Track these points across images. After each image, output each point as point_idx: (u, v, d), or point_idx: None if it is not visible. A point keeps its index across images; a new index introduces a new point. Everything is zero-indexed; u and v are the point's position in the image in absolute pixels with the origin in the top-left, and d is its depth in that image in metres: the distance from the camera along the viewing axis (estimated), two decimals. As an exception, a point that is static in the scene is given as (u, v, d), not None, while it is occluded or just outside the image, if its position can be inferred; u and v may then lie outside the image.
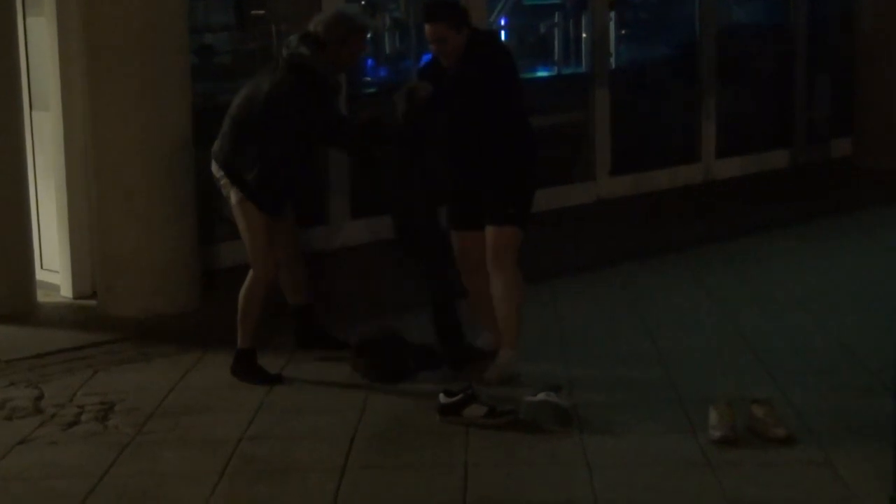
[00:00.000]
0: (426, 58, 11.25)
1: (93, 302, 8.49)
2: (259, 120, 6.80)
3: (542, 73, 12.11)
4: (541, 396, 6.31)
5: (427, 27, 6.89)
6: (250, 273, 6.95)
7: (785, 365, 7.13)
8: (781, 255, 9.96)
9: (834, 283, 9.02)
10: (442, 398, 6.31)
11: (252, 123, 6.82)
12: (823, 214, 11.23)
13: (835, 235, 10.63)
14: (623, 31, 12.23)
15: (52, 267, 8.83)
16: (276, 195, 6.91)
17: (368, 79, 10.72)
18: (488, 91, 6.85)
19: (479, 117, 6.88)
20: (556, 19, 12.11)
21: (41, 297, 8.55)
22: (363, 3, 10.59)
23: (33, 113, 8.78)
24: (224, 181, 6.93)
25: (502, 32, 11.63)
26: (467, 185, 7.02)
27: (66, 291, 8.70)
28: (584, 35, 11.75)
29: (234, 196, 6.90)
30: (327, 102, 6.90)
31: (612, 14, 11.75)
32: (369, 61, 10.76)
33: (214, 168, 7.00)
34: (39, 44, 8.67)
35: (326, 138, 7.12)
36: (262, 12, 9.72)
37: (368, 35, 7.38)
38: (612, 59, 11.87)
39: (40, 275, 8.72)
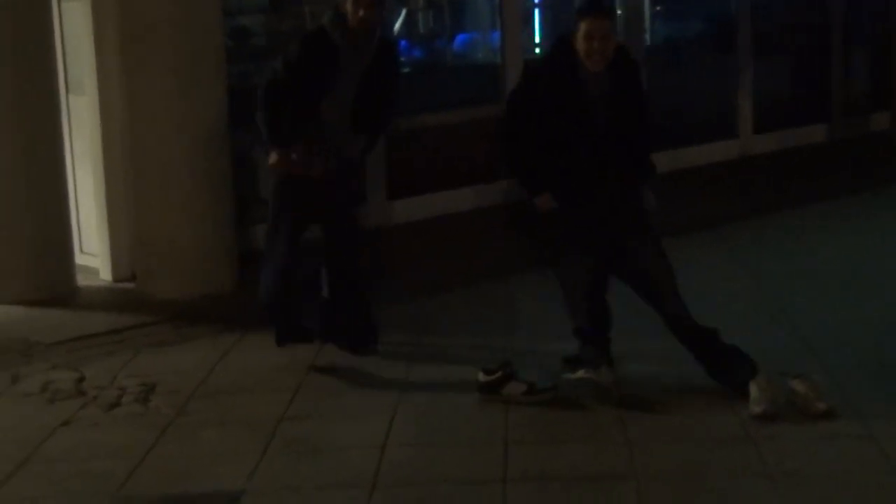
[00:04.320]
0: (461, 38, 11.34)
1: (132, 285, 8.53)
2: None
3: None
4: (580, 373, 6.30)
5: (592, 22, 6.34)
6: None
7: (825, 340, 7.10)
8: (820, 231, 9.92)
9: (874, 257, 8.98)
10: (481, 376, 6.31)
11: None
12: (862, 189, 11.16)
13: (873, 210, 10.56)
14: (657, 8, 12.16)
15: (92, 251, 8.88)
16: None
17: (402, 58, 10.69)
18: (642, 100, 6.63)
19: (631, 127, 6.52)
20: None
21: (81, 280, 8.59)
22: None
23: (70, 97, 8.81)
24: None
25: (536, 10, 11.57)
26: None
27: (105, 275, 8.74)
28: (618, 11, 11.68)
29: None
30: (309, 62, 6.83)
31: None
32: (403, 42, 10.75)
33: None
34: (75, 28, 8.69)
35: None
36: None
37: None
38: (647, 36, 11.81)
39: (80, 259, 8.77)
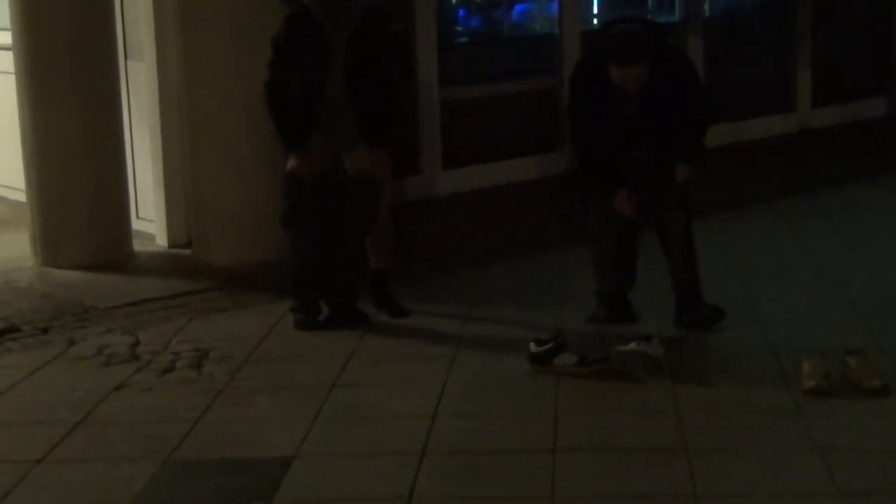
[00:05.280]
0: (519, 8, 11.29)
1: (187, 251, 8.59)
2: None
3: (634, 22, 11.97)
4: (632, 345, 6.30)
5: (625, 70, 6.49)
6: None
7: (880, 315, 7.05)
8: (876, 206, 9.84)
9: (930, 233, 8.90)
10: (532, 347, 6.31)
11: None
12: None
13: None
14: (717, -22, 12.08)
15: (148, 216, 8.94)
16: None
17: (460, 28, 10.67)
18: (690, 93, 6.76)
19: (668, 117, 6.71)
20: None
21: (137, 246, 8.66)
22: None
23: (128, 63, 8.86)
24: None
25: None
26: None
27: (161, 240, 8.81)
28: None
29: None
30: (293, 49, 6.84)
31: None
32: (461, 11, 10.72)
33: None
34: (134, -6, 8.75)
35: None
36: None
37: None
38: (707, 7, 11.72)
39: (136, 224, 8.84)
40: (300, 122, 6.88)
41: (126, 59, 8.84)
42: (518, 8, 11.16)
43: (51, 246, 8.37)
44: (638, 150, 6.79)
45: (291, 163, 6.89)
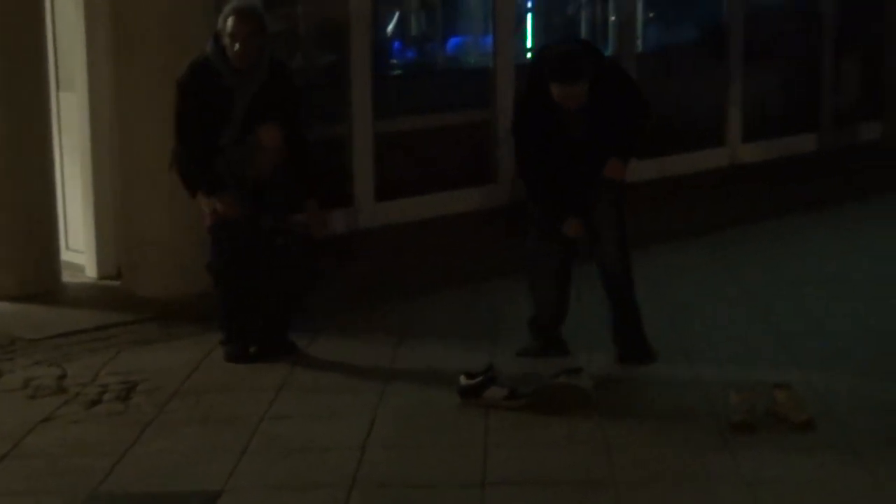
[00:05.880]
0: (454, 41, 11.33)
1: (117, 282, 8.54)
2: None
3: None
4: (561, 378, 6.32)
5: (566, 88, 6.50)
6: None
7: (808, 349, 7.11)
8: (806, 239, 9.94)
9: (859, 266, 9.00)
10: (462, 380, 6.32)
11: None
12: (849, 199, 11.18)
13: (861, 220, 10.58)
14: (650, 14, 12.19)
15: (77, 247, 8.88)
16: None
17: (395, 61, 10.71)
18: (624, 101, 6.79)
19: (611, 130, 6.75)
20: (582, 1, 12.07)
21: (66, 277, 8.59)
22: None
23: (60, 94, 8.81)
24: None
25: (528, 15, 11.58)
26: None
27: (90, 271, 8.75)
28: (611, 18, 11.71)
29: None
30: (196, 95, 6.78)
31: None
32: (396, 43, 10.76)
33: None
34: (66, 24, 8.70)
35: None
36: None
37: (249, 19, 6.73)
38: (639, 42, 11.83)
39: (65, 255, 8.77)
40: (210, 166, 6.83)
41: (58, 89, 8.79)
42: (452, 41, 11.21)
43: (-22, 276, 8.29)
44: (583, 168, 6.78)
45: (218, 207, 6.84)
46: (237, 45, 6.73)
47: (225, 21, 6.77)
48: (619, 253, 6.91)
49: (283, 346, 7.13)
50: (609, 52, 11.55)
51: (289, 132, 6.88)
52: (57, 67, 8.80)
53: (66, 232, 8.88)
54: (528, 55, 11.12)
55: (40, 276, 8.35)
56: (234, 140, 6.83)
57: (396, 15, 10.65)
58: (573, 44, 6.95)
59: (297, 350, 7.14)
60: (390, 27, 10.58)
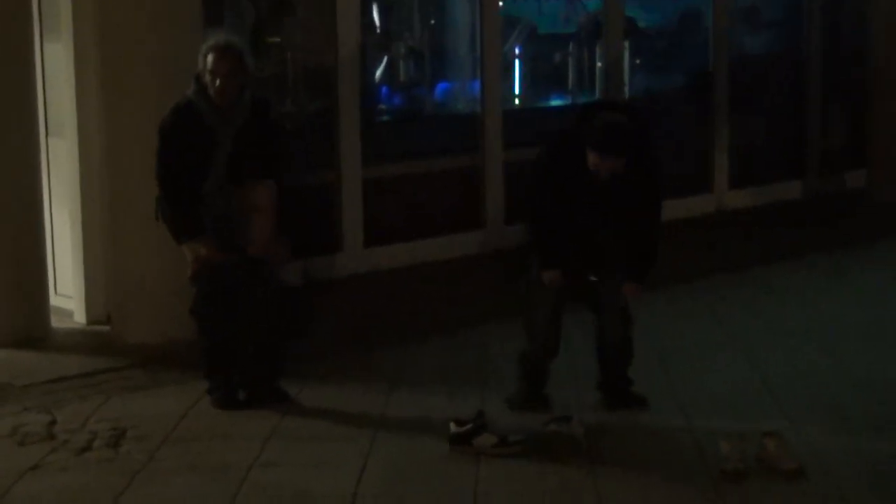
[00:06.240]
0: (442, 87, 11.38)
1: (106, 328, 8.52)
2: None
3: (556, 102, 12.14)
4: (551, 426, 6.32)
5: (607, 161, 6.50)
6: None
7: (796, 397, 7.12)
8: (794, 286, 9.96)
9: (847, 315, 9.01)
10: (452, 427, 6.31)
11: None
12: (835, 246, 11.22)
13: (848, 268, 10.61)
14: (637, 61, 12.26)
15: (67, 292, 8.86)
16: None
17: (383, 106, 10.75)
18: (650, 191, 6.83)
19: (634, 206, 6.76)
20: (570, 48, 12.14)
21: (55, 322, 8.57)
22: (378, 31, 10.62)
23: (49, 139, 8.82)
24: None
25: (516, 61, 11.65)
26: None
27: (79, 317, 8.73)
28: (598, 64, 11.77)
29: None
30: (179, 137, 6.79)
31: (627, 43, 11.77)
32: (383, 88, 10.80)
33: None
34: (56, 70, 8.72)
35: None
36: (276, 39, 9.75)
37: (229, 56, 6.74)
38: (626, 89, 11.89)
39: (54, 300, 8.75)
40: (193, 210, 6.83)
41: (48, 135, 8.80)
42: (440, 86, 11.26)
43: (-33, 322, 8.27)
44: (595, 230, 6.79)
45: (200, 251, 6.84)
46: (218, 81, 6.73)
47: (205, 58, 6.79)
48: (622, 327, 6.93)
49: (275, 394, 7.11)
50: (597, 97, 11.61)
51: (268, 173, 6.87)
52: (46, 113, 8.81)
53: (55, 277, 8.86)
54: (516, 101, 11.20)
55: (29, 322, 8.33)
56: (218, 185, 6.83)
57: (385, 61, 10.70)
58: (619, 112, 6.87)
59: (290, 398, 7.13)
60: (378, 73, 10.63)
